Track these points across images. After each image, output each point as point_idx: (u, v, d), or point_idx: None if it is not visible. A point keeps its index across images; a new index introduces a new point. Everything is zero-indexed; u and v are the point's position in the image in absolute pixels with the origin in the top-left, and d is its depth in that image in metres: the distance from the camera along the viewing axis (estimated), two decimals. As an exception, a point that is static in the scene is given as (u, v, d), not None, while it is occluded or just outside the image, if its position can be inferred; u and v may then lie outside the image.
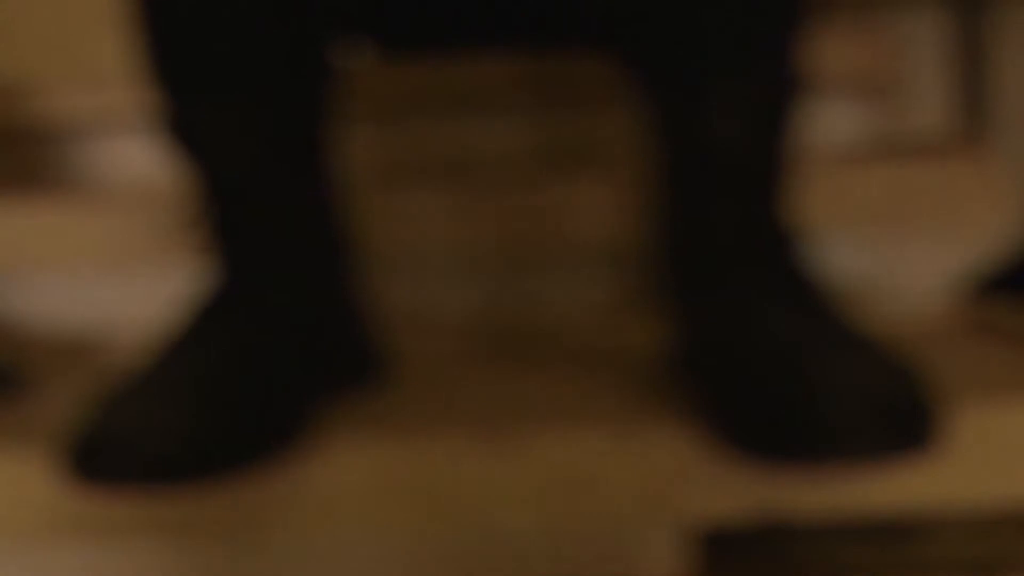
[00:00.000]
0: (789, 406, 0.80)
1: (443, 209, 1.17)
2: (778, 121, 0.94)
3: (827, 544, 0.87)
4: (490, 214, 1.17)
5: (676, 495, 0.85)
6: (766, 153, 0.94)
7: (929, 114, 1.35)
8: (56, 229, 1.21)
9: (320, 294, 0.97)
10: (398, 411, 0.93)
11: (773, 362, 0.83)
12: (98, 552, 0.87)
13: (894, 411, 0.79)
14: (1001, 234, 1.17)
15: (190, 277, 1.02)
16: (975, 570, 0.86)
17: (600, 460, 0.85)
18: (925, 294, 1.18)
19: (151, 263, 1.18)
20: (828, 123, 1.26)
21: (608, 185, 1.16)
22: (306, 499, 0.86)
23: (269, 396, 0.88)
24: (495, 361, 1.09)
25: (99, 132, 1.33)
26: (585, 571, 0.88)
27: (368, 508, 0.86)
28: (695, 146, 0.93)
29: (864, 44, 1.27)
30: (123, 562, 0.87)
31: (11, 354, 1.09)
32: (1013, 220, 1.17)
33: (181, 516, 0.85)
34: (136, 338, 1.04)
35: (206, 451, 0.84)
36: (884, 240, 1.19)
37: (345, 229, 0.99)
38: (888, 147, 1.31)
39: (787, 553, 0.88)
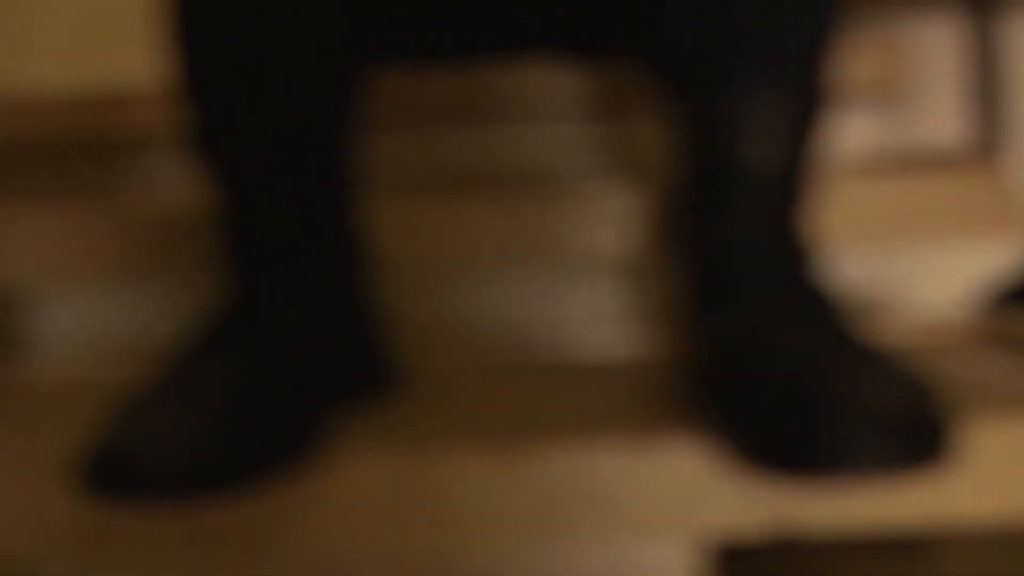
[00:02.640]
0: (801, 421, 0.80)
1: (455, 219, 1.17)
2: (805, 136, 0.94)
3: (840, 557, 0.86)
4: (505, 224, 1.17)
5: (690, 508, 0.85)
6: (791, 168, 0.94)
7: (944, 125, 1.35)
8: (76, 240, 1.21)
9: (336, 306, 0.97)
10: (410, 423, 0.93)
11: (786, 377, 0.83)
12: (112, 567, 0.87)
13: (906, 427, 0.79)
14: (1017, 246, 1.17)
15: (205, 290, 1.03)
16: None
17: (614, 473, 0.85)
18: (940, 306, 1.17)
19: (171, 275, 1.18)
20: (842, 134, 1.26)
21: (626, 196, 1.15)
22: (317, 512, 0.86)
23: (283, 409, 0.88)
24: (509, 373, 1.09)
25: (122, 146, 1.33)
26: (599, 584, 0.88)
27: (379, 521, 0.86)
28: (722, 160, 0.93)
29: (878, 54, 1.27)
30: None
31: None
32: (1028, 232, 1.17)
33: (194, 531, 0.85)
34: (150, 350, 1.05)
35: (220, 466, 0.84)
36: (899, 252, 1.18)
37: (362, 240, 0.99)
38: (902, 158, 1.30)
39: (801, 566, 0.88)
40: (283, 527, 0.86)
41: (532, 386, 1.04)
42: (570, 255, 1.17)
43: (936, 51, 1.36)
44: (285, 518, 0.86)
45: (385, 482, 0.86)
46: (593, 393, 1.00)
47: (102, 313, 1.21)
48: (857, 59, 1.23)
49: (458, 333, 1.17)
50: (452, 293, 1.18)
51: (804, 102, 0.94)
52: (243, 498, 0.85)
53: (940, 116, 1.35)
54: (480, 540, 0.86)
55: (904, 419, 0.79)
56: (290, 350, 0.92)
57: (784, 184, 0.94)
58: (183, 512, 0.84)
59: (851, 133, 1.28)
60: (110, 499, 0.82)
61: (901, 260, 1.18)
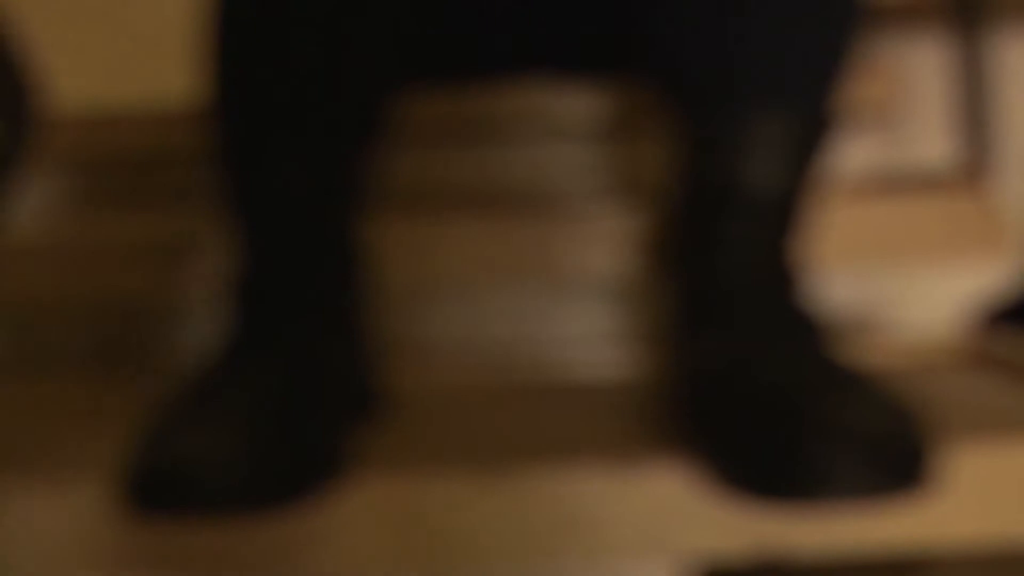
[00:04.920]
0: (783, 446, 0.80)
1: (449, 239, 1.17)
2: (806, 163, 0.94)
3: (825, 580, 0.87)
4: (498, 244, 1.17)
5: (674, 531, 0.85)
6: (790, 195, 0.94)
7: (932, 146, 1.35)
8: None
9: (338, 327, 0.97)
10: (396, 445, 0.93)
11: (770, 401, 0.83)
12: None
13: (888, 452, 0.79)
14: (1005, 266, 1.17)
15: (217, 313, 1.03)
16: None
17: (599, 496, 0.85)
18: (928, 327, 1.17)
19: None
20: (832, 156, 1.26)
21: (622, 217, 1.16)
22: (305, 537, 0.86)
23: (313, 429, 0.88)
24: (497, 394, 1.09)
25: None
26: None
27: (366, 544, 0.86)
28: (721, 184, 0.93)
29: (866, 76, 1.27)
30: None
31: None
32: (1017, 252, 1.17)
33: (186, 554, 0.86)
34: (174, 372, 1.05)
35: (265, 483, 0.83)
36: (887, 273, 1.19)
37: (361, 259, 1.00)
38: (891, 180, 1.31)
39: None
40: (272, 552, 0.86)
41: (520, 407, 1.04)
42: (563, 275, 1.17)
43: (924, 73, 1.36)
44: (274, 543, 0.86)
45: (371, 505, 0.86)
46: (580, 415, 1.01)
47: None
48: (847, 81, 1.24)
49: (449, 352, 1.17)
50: (444, 312, 1.18)
51: (808, 129, 0.94)
52: (264, 521, 0.84)
53: (929, 138, 1.35)
54: (465, 562, 0.86)
55: (886, 444, 0.79)
56: (306, 372, 0.92)
57: (781, 210, 0.94)
58: (215, 530, 0.84)
59: (840, 155, 1.28)
60: (159, 514, 0.81)
61: (889, 281, 1.19)
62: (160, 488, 0.81)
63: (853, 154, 1.31)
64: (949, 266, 1.18)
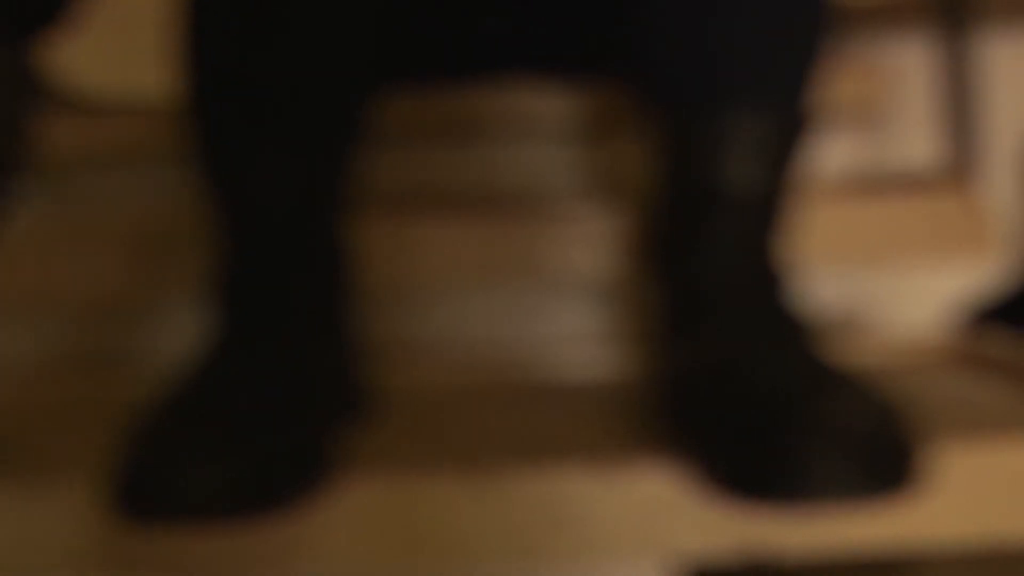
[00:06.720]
0: (770, 445, 0.80)
1: (433, 239, 1.17)
2: (786, 161, 0.94)
3: (812, 580, 0.86)
4: (484, 245, 1.17)
5: (660, 531, 0.85)
6: (771, 193, 0.94)
7: (918, 146, 1.36)
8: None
9: (323, 328, 0.97)
10: (383, 446, 0.93)
11: (757, 401, 0.83)
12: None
13: (875, 451, 0.79)
14: (990, 266, 1.17)
15: (201, 313, 1.02)
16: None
17: (586, 496, 0.85)
18: (914, 327, 1.18)
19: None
20: (817, 155, 1.26)
21: (605, 218, 1.16)
22: (293, 537, 0.85)
23: (299, 433, 0.87)
24: (484, 394, 1.09)
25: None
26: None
27: (353, 545, 0.86)
28: (702, 184, 0.93)
29: (852, 75, 1.28)
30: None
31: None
32: (1002, 252, 1.18)
33: (176, 558, 0.85)
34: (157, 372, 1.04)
35: (249, 489, 0.83)
36: (873, 273, 1.19)
37: (346, 259, 0.99)
38: (877, 179, 1.31)
39: (773, 589, 0.87)
40: (260, 556, 0.85)
41: (506, 408, 1.04)
42: (548, 276, 1.17)
43: (910, 72, 1.36)
44: (262, 547, 0.85)
45: (359, 507, 0.86)
46: (567, 415, 1.00)
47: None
48: (831, 80, 1.24)
49: (435, 353, 1.17)
50: (429, 313, 1.18)
51: (787, 127, 0.94)
52: (260, 522, 0.84)
53: (914, 137, 1.35)
54: (452, 563, 0.86)
55: (873, 444, 0.79)
56: (292, 374, 0.91)
57: (763, 209, 0.94)
58: (203, 534, 0.84)
59: (826, 154, 1.29)
60: (147, 519, 0.81)
61: (875, 281, 1.19)
62: (147, 493, 0.81)
63: (838, 153, 1.31)
64: (935, 266, 1.18)
